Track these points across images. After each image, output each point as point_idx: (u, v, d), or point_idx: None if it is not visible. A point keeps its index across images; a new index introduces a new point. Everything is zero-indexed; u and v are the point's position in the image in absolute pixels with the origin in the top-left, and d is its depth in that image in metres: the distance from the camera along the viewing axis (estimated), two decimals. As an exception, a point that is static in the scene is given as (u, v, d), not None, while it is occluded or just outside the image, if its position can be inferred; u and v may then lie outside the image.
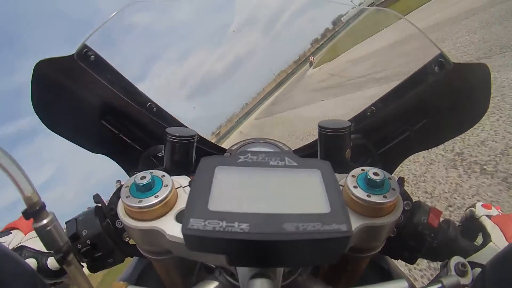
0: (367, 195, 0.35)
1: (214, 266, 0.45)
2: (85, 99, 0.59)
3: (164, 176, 0.38)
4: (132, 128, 0.65)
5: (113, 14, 0.54)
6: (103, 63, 0.55)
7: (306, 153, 0.72)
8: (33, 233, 0.48)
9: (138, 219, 0.36)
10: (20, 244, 0.47)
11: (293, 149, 0.73)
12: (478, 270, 0.41)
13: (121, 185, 0.40)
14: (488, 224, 0.49)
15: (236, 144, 0.75)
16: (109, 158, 0.66)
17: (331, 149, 0.55)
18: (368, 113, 0.61)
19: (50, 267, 0.46)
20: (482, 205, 0.52)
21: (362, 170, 0.38)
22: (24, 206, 0.32)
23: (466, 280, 0.38)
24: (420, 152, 0.63)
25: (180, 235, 0.29)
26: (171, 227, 0.35)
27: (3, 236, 0.48)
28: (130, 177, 0.38)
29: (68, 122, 0.59)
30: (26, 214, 0.32)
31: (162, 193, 0.36)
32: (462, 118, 0.55)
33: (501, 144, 2.50)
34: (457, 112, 0.55)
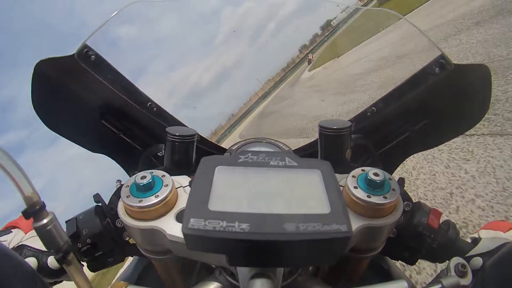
0: (367, 196, 0.35)
1: (214, 266, 0.45)
2: (85, 98, 0.59)
3: (164, 176, 0.38)
4: (132, 128, 0.65)
5: (114, 14, 0.54)
6: (103, 63, 0.55)
7: (306, 153, 0.72)
8: (34, 232, 0.48)
9: (139, 218, 0.36)
10: (20, 243, 0.47)
11: (293, 149, 0.73)
12: (477, 260, 0.42)
13: (122, 185, 0.40)
14: (474, 234, 0.51)
15: (236, 143, 0.75)
16: (109, 158, 0.66)
17: (331, 149, 0.55)
18: (369, 113, 0.61)
19: (50, 266, 0.46)
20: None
21: (363, 170, 0.38)
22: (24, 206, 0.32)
23: (466, 281, 0.38)
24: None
25: (180, 235, 0.29)
26: (171, 227, 0.35)
27: (4, 235, 0.48)
28: (130, 176, 0.39)
29: (68, 121, 0.59)
30: (26, 214, 0.32)
31: (163, 193, 0.36)
32: (462, 118, 0.55)
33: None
34: (457, 113, 0.55)
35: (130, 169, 0.67)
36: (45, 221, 0.33)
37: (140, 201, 0.35)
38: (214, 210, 0.28)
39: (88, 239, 0.48)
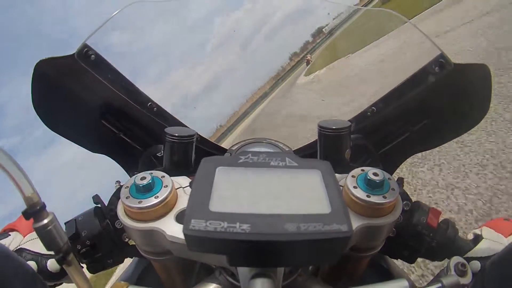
0: (367, 195, 0.35)
1: (214, 266, 0.45)
2: (85, 98, 0.59)
3: (164, 176, 0.38)
4: (132, 128, 0.65)
5: (114, 14, 0.54)
6: (103, 62, 0.55)
7: (306, 153, 0.72)
8: (32, 235, 0.48)
9: (138, 219, 0.36)
10: (19, 247, 0.47)
11: (293, 149, 0.73)
12: (475, 263, 0.42)
13: (121, 186, 0.40)
14: (477, 229, 0.50)
15: (236, 144, 0.75)
16: (109, 158, 0.66)
17: (331, 149, 0.55)
18: (368, 113, 0.61)
19: (50, 269, 0.46)
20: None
21: (362, 170, 0.38)
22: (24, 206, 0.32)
23: (465, 280, 0.38)
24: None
25: (180, 236, 0.29)
26: (171, 228, 0.35)
27: (2, 239, 0.47)
28: (130, 176, 0.38)
29: (68, 121, 0.59)
30: (26, 214, 0.32)
31: (162, 194, 0.36)
32: (462, 118, 0.55)
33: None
34: (458, 113, 0.55)
35: (130, 169, 0.67)
36: (45, 221, 0.33)
37: (139, 202, 0.35)
38: (215, 211, 0.28)
39: (87, 241, 0.47)
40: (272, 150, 0.71)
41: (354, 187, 0.36)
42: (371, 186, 0.36)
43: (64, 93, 0.55)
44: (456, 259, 0.40)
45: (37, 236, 0.34)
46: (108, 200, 0.52)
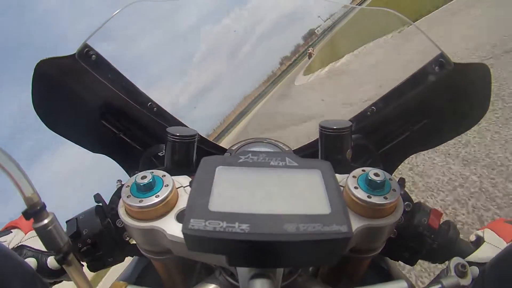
0: (368, 196, 0.35)
1: (214, 266, 0.45)
2: (85, 98, 0.59)
3: (164, 176, 0.38)
4: (132, 128, 0.65)
5: (114, 13, 0.54)
6: (104, 62, 0.55)
7: (306, 153, 0.72)
8: (34, 232, 0.48)
9: (139, 218, 0.36)
10: (20, 244, 0.47)
11: (293, 149, 0.73)
12: (474, 268, 0.42)
13: (122, 185, 0.40)
14: (479, 231, 0.50)
15: (236, 143, 0.75)
16: (109, 158, 0.66)
17: (331, 149, 0.55)
18: (369, 113, 0.60)
19: (50, 267, 0.46)
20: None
21: (363, 170, 0.38)
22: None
23: (465, 281, 0.38)
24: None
25: (181, 235, 0.29)
26: (171, 227, 0.35)
27: (4, 236, 0.48)
28: (130, 176, 0.39)
29: (69, 121, 0.59)
30: (27, 214, 0.32)
31: (163, 193, 0.36)
32: (462, 118, 0.55)
33: None
34: (457, 112, 0.55)
35: (131, 169, 0.67)
36: (45, 221, 0.33)
37: (140, 201, 0.35)
38: (214, 210, 0.28)
39: (88, 239, 0.48)
40: (272, 150, 0.71)
41: (355, 187, 0.36)
42: (372, 186, 0.36)
43: (65, 93, 0.56)
44: (456, 260, 0.40)
45: None
46: (109, 199, 0.52)
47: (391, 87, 0.57)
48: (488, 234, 0.48)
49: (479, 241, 0.48)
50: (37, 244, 0.47)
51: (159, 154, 0.65)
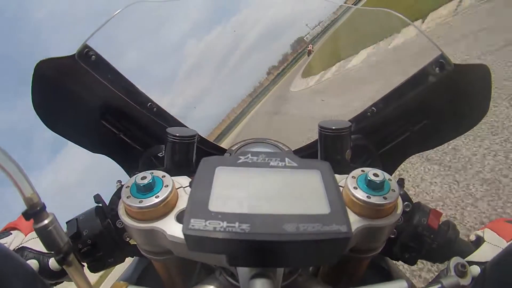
0: (367, 196, 0.35)
1: (214, 266, 0.45)
2: (85, 99, 0.59)
3: (164, 176, 0.38)
4: (132, 128, 0.65)
5: (114, 14, 0.54)
6: (103, 63, 0.55)
7: (306, 153, 0.72)
8: (34, 234, 0.48)
9: (139, 219, 0.36)
10: (21, 245, 0.47)
11: (293, 149, 0.73)
12: (474, 268, 0.42)
13: (122, 185, 0.40)
14: (479, 231, 0.50)
15: (236, 144, 0.75)
16: (109, 158, 0.66)
17: (331, 149, 0.55)
18: (369, 114, 0.61)
19: (51, 268, 0.46)
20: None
21: (362, 171, 0.38)
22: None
23: (465, 281, 0.38)
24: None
25: (181, 235, 0.29)
26: (171, 227, 0.35)
27: (4, 237, 0.48)
28: (130, 177, 0.39)
29: (69, 122, 0.59)
30: (27, 215, 0.32)
31: (163, 194, 0.36)
32: (462, 119, 0.55)
33: None
34: (457, 113, 0.55)
35: (131, 170, 0.67)
36: (45, 222, 0.33)
37: (140, 202, 0.35)
38: (214, 210, 0.28)
39: (88, 240, 0.48)
40: (271, 150, 0.71)
41: (354, 187, 0.36)
42: (372, 187, 0.36)
43: (64, 93, 0.56)
44: (456, 259, 0.40)
45: None
46: (109, 199, 0.52)
47: (391, 88, 0.57)
48: (488, 234, 0.48)
49: (479, 241, 0.48)
50: (38, 245, 0.47)
51: (159, 154, 0.65)
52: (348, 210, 0.35)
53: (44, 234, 0.33)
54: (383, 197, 0.35)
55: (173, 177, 0.39)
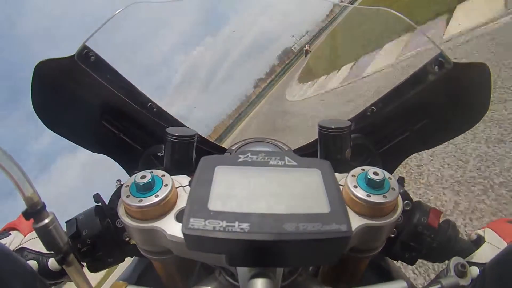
0: (367, 195, 0.35)
1: (214, 266, 0.45)
2: (85, 99, 0.59)
3: (164, 175, 0.38)
4: (132, 128, 0.65)
5: (114, 14, 0.54)
6: (103, 63, 0.55)
7: (306, 152, 0.72)
8: (33, 234, 0.48)
9: (138, 218, 0.36)
10: (20, 246, 0.47)
11: (293, 149, 0.73)
12: (474, 268, 0.42)
13: (121, 185, 0.40)
14: (480, 230, 0.50)
15: (236, 143, 0.75)
16: (109, 158, 0.66)
17: (331, 148, 0.55)
18: (368, 113, 0.61)
19: (51, 268, 0.46)
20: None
21: (362, 169, 0.38)
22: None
23: (465, 281, 0.38)
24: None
25: (180, 235, 0.29)
26: (171, 227, 0.35)
27: (3, 238, 0.47)
28: (130, 176, 0.38)
29: (68, 122, 0.59)
30: (27, 215, 0.32)
31: (162, 193, 0.36)
32: (462, 117, 0.55)
33: None
34: (457, 112, 0.55)
35: (131, 169, 0.67)
36: (45, 221, 0.33)
37: (140, 201, 0.35)
38: (214, 210, 0.28)
39: (88, 240, 0.48)
40: (271, 150, 0.71)
41: (354, 186, 0.36)
42: (372, 185, 0.36)
43: (64, 94, 0.56)
44: (456, 259, 0.40)
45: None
46: (109, 199, 0.52)
47: (391, 87, 0.57)
48: (488, 234, 0.48)
49: (479, 241, 0.48)
50: (38, 246, 0.47)
51: (158, 154, 0.65)
52: (348, 209, 0.35)
53: (44, 234, 0.34)
54: (383, 196, 0.35)
55: (172, 176, 0.39)
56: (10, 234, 0.48)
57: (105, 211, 0.50)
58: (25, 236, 0.48)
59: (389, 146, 0.62)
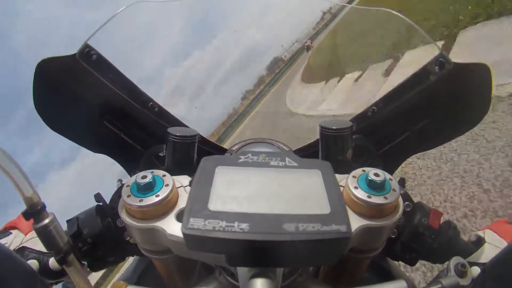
0: (368, 196, 0.35)
1: (214, 266, 0.45)
2: (86, 98, 0.59)
3: (165, 175, 0.38)
4: (133, 128, 0.65)
5: (115, 13, 0.54)
6: (105, 62, 0.55)
7: (306, 153, 0.72)
8: (34, 233, 0.48)
9: (139, 218, 0.36)
10: (21, 245, 0.47)
11: (293, 149, 0.73)
12: (474, 268, 0.42)
13: (122, 184, 0.40)
14: (480, 231, 0.50)
15: (236, 144, 0.75)
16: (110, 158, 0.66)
17: (332, 149, 0.55)
18: (369, 113, 0.60)
19: (51, 268, 0.46)
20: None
21: (363, 171, 0.38)
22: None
23: (465, 281, 0.38)
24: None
25: (181, 235, 0.29)
26: (171, 227, 0.35)
27: (4, 237, 0.48)
28: (131, 176, 0.39)
29: (70, 121, 0.59)
30: (26, 215, 0.32)
31: (163, 193, 0.36)
32: (462, 118, 0.55)
33: None
34: (458, 112, 0.55)
35: (132, 169, 0.67)
36: (45, 222, 0.33)
37: (140, 201, 0.35)
38: (214, 210, 0.28)
39: (88, 239, 0.48)
40: (272, 150, 0.71)
41: (355, 187, 0.36)
42: (372, 186, 0.36)
43: (66, 93, 0.56)
44: (456, 259, 0.40)
45: None
46: (110, 198, 0.52)
47: (392, 87, 0.57)
48: (489, 235, 0.48)
49: (479, 241, 0.48)
50: (38, 245, 0.47)
51: (159, 154, 0.65)
52: (349, 210, 0.35)
53: (44, 234, 0.34)
54: (384, 197, 0.35)
55: (173, 176, 0.39)
56: (11, 233, 0.48)
57: (106, 211, 0.50)
58: (25, 235, 0.48)
59: (389, 147, 0.62)
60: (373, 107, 0.60)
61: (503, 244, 0.45)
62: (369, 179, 0.36)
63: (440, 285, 0.37)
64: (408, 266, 0.54)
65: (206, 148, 0.74)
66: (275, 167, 0.34)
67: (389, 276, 0.58)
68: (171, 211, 0.37)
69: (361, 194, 0.35)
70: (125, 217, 0.37)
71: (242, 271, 0.36)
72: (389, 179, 0.36)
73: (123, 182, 0.53)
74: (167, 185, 0.37)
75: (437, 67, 0.50)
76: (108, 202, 0.52)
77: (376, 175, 0.36)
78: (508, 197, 1.99)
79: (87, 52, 0.52)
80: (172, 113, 0.67)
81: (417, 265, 0.53)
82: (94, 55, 0.53)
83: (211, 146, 0.75)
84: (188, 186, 0.40)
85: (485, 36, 4.42)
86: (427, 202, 2.29)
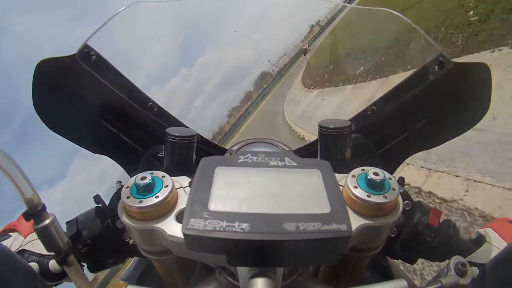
0: (367, 195, 0.35)
1: (214, 266, 0.45)
2: (86, 99, 0.59)
3: (164, 176, 0.38)
4: (133, 128, 0.65)
5: (115, 14, 0.54)
6: (104, 63, 0.55)
7: (306, 153, 0.72)
8: (33, 236, 0.48)
9: (139, 219, 0.36)
10: (21, 248, 0.47)
11: (293, 149, 0.73)
12: (474, 269, 0.41)
13: (122, 186, 0.40)
14: (481, 229, 0.50)
15: (236, 144, 0.75)
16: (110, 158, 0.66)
17: (331, 148, 0.55)
18: (369, 113, 0.60)
19: (52, 270, 0.46)
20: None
21: (362, 170, 0.38)
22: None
23: (465, 280, 0.38)
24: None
25: (181, 235, 0.29)
26: (171, 227, 0.35)
27: (3, 240, 0.47)
28: (131, 177, 0.39)
29: (69, 122, 0.59)
30: (27, 216, 0.32)
31: (163, 194, 0.36)
32: (462, 118, 0.55)
33: None
34: (458, 112, 0.55)
35: (131, 170, 0.67)
36: (46, 222, 0.33)
37: (140, 202, 0.35)
38: (214, 210, 0.28)
39: (88, 240, 0.48)
40: (271, 150, 0.71)
41: (355, 186, 0.36)
42: (372, 185, 0.36)
43: (65, 93, 0.56)
44: (456, 258, 0.40)
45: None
46: (109, 200, 0.52)
47: (391, 87, 0.57)
48: (489, 234, 0.48)
49: (479, 240, 0.48)
50: (38, 247, 0.47)
51: (159, 154, 0.65)
52: (348, 209, 0.35)
53: (44, 235, 0.34)
54: (383, 196, 0.35)
55: (173, 177, 0.39)
56: (10, 235, 0.48)
57: (105, 212, 0.50)
58: (25, 238, 0.48)
59: (389, 146, 0.62)
60: (373, 107, 0.60)
61: (503, 244, 0.45)
62: (369, 178, 0.36)
63: (440, 284, 0.37)
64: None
65: (206, 148, 0.74)
66: (274, 167, 0.34)
67: (389, 275, 0.58)
68: (171, 212, 0.37)
69: (360, 193, 0.35)
70: (124, 219, 0.36)
71: (242, 271, 0.36)
72: (389, 178, 0.36)
73: (122, 184, 0.53)
74: (167, 186, 0.37)
75: (436, 66, 0.50)
76: (107, 204, 0.52)
77: (376, 174, 0.36)
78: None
79: (86, 52, 0.52)
80: (171, 113, 0.67)
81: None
82: (93, 56, 0.53)
83: (210, 146, 0.75)
84: (188, 187, 0.40)
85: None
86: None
